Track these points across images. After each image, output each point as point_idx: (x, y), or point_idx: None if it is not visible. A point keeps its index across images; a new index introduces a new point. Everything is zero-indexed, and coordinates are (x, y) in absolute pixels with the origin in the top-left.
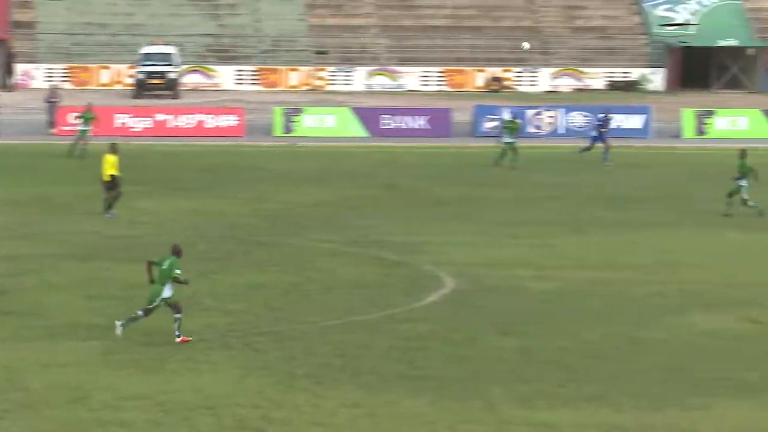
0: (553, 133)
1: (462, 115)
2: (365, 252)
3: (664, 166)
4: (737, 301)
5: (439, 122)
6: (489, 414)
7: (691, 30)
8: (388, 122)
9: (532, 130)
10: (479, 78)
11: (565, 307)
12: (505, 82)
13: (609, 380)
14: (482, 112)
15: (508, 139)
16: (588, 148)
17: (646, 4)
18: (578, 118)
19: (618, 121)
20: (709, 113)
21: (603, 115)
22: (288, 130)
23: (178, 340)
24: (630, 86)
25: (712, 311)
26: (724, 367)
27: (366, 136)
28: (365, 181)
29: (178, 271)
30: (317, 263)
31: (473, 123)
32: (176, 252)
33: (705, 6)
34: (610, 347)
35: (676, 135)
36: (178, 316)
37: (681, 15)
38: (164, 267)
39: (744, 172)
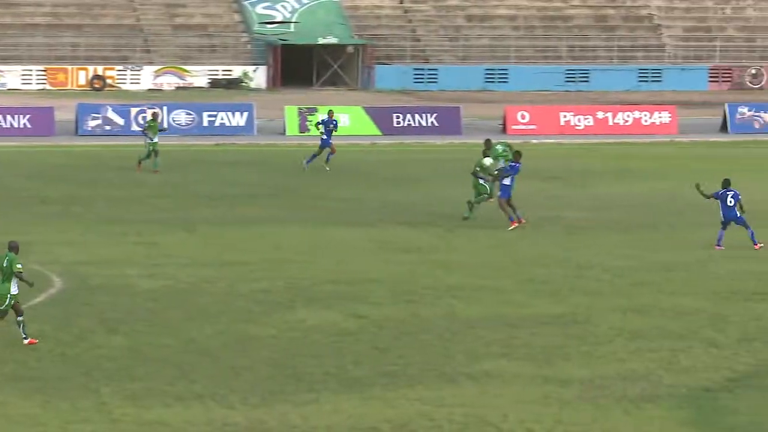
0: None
1: (65, 113)
2: None
3: (269, 163)
4: (343, 297)
5: (42, 121)
6: (100, 413)
7: (291, 28)
8: None
9: (137, 128)
10: (82, 76)
11: (174, 305)
12: (108, 81)
13: (219, 377)
14: (85, 110)
15: (154, 140)
16: (316, 154)
17: (245, 3)
18: (182, 116)
19: (221, 119)
20: (312, 110)
21: (328, 117)
22: None
23: (26, 342)
24: (232, 84)
25: (320, 307)
26: (331, 362)
27: None
28: None
29: (19, 266)
30: None
31: (77, 122)
32: (13, 248)
33: (303, 4)
34: (219, 344)
35: (280, 132)
36: (20, 318)
37: (280, 13)
38: (4, 265)
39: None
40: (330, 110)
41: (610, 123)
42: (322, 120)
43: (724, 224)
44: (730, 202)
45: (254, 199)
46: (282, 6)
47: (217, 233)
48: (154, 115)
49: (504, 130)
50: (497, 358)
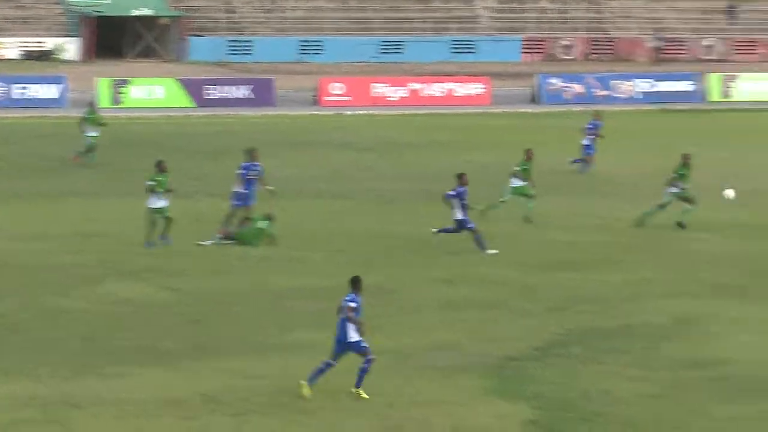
0: None
1: None
2: None
3: (81, 136)
4: (156, 270)
5: None
6: None
7: None
8: None
9: None
10: None
11: None
12: None
13: (27, 351)
14: None
15: (92, 133)
16: (579, 160)
17: None
18: None
19: (34, 91)
20: (124, 82)
21: (594, 120)
22: None
23: None
24: (45, 56)
25: (133, 280)
26: (142, 335)
27: None
28: None
29: None
30: None
31: None
32: None
33: None
34: (28, 318)
35: None
36: None
37: None
38: None
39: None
40: (595, 111)
41: (424, 94)
42: (589, 125)
43: None
44: None
45: (66, 171)
46: None
47: (27, 206)
48: (91, 105)
49: (317, 101)
50: (308, 330)
